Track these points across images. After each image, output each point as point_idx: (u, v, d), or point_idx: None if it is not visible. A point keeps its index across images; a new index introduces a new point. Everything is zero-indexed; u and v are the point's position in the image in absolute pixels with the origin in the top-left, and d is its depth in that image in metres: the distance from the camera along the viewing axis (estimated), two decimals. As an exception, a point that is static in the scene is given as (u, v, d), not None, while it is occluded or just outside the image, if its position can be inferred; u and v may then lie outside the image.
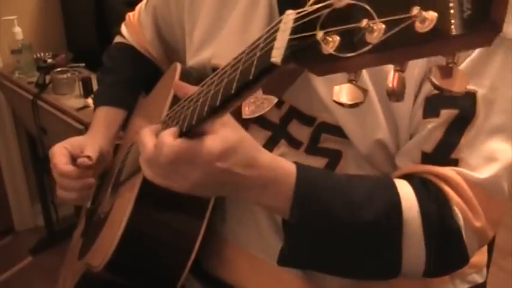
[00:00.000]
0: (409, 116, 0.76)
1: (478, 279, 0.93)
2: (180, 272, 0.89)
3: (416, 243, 0.72)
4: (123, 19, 1.24)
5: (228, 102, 0.61)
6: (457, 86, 0.39)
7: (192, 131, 0.67)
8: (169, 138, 0.67)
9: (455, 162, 0.74)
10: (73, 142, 1.06)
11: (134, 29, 1.18)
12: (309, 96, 0.81)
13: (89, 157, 1.03)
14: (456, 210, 0.73)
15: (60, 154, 1.02)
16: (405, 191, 0.74)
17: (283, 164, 0.72)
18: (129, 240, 0.87)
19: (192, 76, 0.97)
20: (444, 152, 0.75)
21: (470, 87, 0.72)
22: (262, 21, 0.85)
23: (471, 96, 0.72)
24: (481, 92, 0.72)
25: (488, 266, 0.97)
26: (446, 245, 0.74)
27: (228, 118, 0.68)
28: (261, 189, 0.70)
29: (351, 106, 0.44)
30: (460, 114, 0.73)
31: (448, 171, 0.74)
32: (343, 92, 0.44)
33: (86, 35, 2.42)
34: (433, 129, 0.75)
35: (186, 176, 0.67)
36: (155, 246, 0.92)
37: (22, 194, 2.68)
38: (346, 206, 0.72)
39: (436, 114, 0.74)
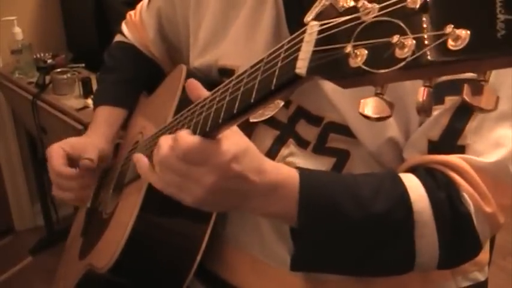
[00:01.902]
0: None
1: (480, 277, 0.92)
2: (185, 275, 0.89)
3: (429, 233, 0.72)
4: (123, 19, 1.24)
5: (245, 110, 0.60)
6: (484, 102, 0.39)
7: (204, 137, 0.67)
8: (185, 134, 0.66)
9: (461, 149, 0.74)
10: (71, 143, 1.05)
11: (136, 27, 1.17)
12: (316, 96, 0.81)
13: (90, 160, 1.03)
14: (465, 196, 0.73)
15: (57, 155, 1.02)
16: (412, 183, 0.74)
17: (286, 169, 0.73)
18: (136, 243, 0.87)
19: (197, 78, 0.97)
20: (450, 138, 0.75)
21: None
22: (269, 23, 0.86)
23: None
24: None
25: (488, 266, 0.98)
26: (458, 232, 0.74)
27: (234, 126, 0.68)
28: (268, 195, 0.70)
29: (378, 120, 0.44)
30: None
31: (453, 158, 0.74)
32: (369, 105, 0.44)
33: (86, 35, 2.41)
34: (438, 116, 0.75)
35: (199, 181, 0.66)
36: (161, 249, 0.92)
37: (22, 194, 2.68)
38: (354, 201, 0.71)
39: (441, 101, 0.74)
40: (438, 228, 0.72)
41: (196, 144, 0.65)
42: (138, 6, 1.19)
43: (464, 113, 0.74)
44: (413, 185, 0.74)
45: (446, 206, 0.73)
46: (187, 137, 0.66)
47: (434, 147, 0.76)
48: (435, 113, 0.75)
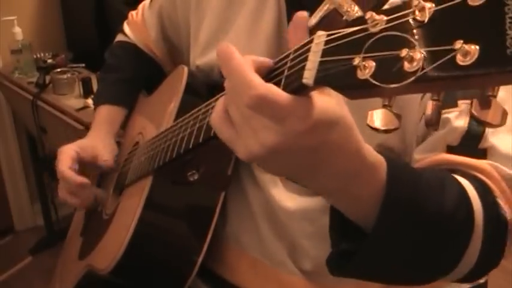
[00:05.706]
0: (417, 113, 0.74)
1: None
2: (187, 276, 0.90)
3: (477, 237, 0.64)
4: (123, 19, 1.24)
5: None
6: (491, 117, 0.39)
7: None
8: (259, 78, 0.50)
9: (483, 153, 0.71)
10: (83, 145, 1.06)
11: (138, 27, 1.17)
12: None
13: (106, 161, 1.05)
14: (501, 203, 0.68)
15: (66, 157, 1.02)
16: (464, 181, 0.66)
17: (373, 156, 0.57)
18: (137, 245, 0.87)
19: (199, 79, 0.97)
20: (471, 143, 0.71)
21: None
22: (270, 21, 0.85)
23: None
24: None
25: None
26: (497, 240, 0.66)
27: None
28: (349, 179, 0.56)
29: (385, 132, 0.44)
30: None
31: (483, 163, 0.70)
32: (377, 116, 0.44)
33: (86, 35, 2.42)
34: (455, 119, 0.72)
35: (257, 134, 0.51)
36: (162, 251, 0.92)
37: (22, 194, 2.69)
38: (429, 193, 0.61)
39: (455, 104, 0.70)
40: (484, 233, 0.64)
41: (272, 93, 0.48)
42: (140, 6, 1.20)
43: None
44: (466, 183, 0.66)
45: (494, 211, 0.66)
46: (259, 80, 0.50)
47: (455, 152, 0.72)
48: (451, 116, 0.72)
